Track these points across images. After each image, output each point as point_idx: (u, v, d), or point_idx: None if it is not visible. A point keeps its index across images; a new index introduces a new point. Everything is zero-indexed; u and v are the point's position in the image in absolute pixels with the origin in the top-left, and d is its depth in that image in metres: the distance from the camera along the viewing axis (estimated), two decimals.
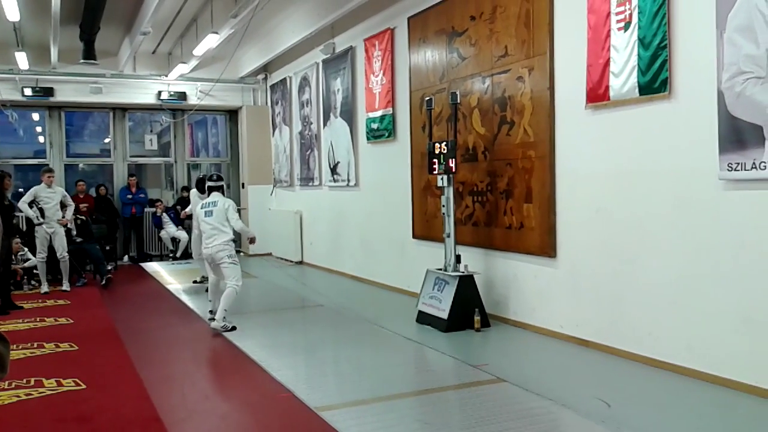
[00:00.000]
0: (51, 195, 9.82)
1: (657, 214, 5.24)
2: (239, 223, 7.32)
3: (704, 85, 4.78)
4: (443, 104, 7.77)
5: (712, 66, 4.70)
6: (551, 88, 6.27)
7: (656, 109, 5.21)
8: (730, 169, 4.58)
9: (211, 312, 7.42)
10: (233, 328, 6.97)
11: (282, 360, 5.87)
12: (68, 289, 10.06)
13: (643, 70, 5.23)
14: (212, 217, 7.20)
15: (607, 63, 5.57)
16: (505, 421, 4.22)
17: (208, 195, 7.52)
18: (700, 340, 4.91)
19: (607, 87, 5.58)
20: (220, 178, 7.78)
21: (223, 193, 7.54)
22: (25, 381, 5.30)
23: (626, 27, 5.38)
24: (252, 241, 7.61)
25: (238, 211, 7.53)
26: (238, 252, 7.72)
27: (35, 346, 6.58)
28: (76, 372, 5.60)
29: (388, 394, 4.82)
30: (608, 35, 5.55)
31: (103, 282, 10.38)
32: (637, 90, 5.31)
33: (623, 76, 5.42)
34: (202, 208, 7.38)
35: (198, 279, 10.21)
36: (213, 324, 7.02)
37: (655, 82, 5.15)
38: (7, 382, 5.10)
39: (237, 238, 8.17)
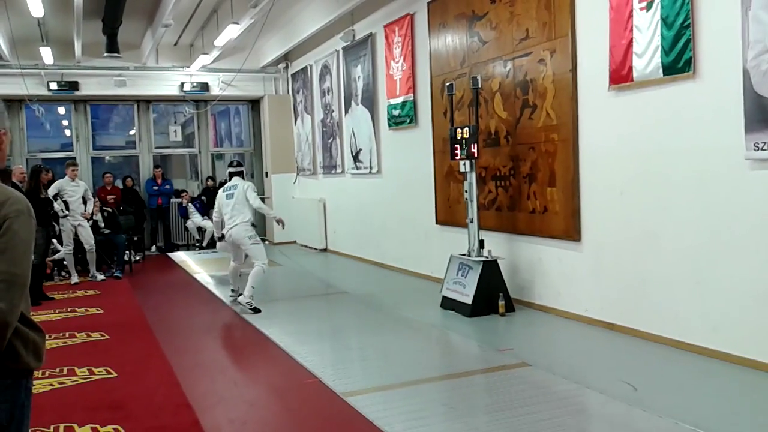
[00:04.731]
0: (75, 188, 9.96)
1: (682, 195, 5.19)
2: (257, 201, 7.61)
3: (729, 64, 4.70)
4: (464, 89, 7.73)
5: (737, 44, 4.62)
6: (573, 70, 6.21)
7: (680, 89, 5.14)
8: (756, 148, 4.51)
9: (233, 291, 7.91)
10: (258, 310, 7.23)
11: (308, 346, 5.93)
12: (103, 278, 10.24)
13: (667, 50, 5.16)
14: (233, 199, 7.53)
15: (630, 43, 5.50)
16: (532, 405, 4.24)
17: (230, 180, 7.86)
18: (727, 322, 4.86)
19: (631, 68, 5.52)
20: (240, 164, 8.21)
21: (243, 178, 7.88)
22: (58, 370, 5.43)
23: (649, 6, 5.30)
24: (279, 222, 7.82)
25: (263, 200, 7.82)
26: (263, 240, 7.90)
27: (67, 335, 6.72)
28: (107, 360, 5.72)
29: (414, 379, 4.84)
30: (631, 15, 5.48)
31: (117, 273, 10.53)
32: (660, 70, 5.24)
33: (646, 57, 5.35)
34: (223, 191, 7.74)
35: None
36: (240, 298, 7.38)
37: (678, 61, 5.08)
38: (41, 371, 5.22)
39: (258, 223, 8.57)
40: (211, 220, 13.77)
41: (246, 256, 7.77)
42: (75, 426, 4.20)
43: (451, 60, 8.17)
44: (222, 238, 7.80)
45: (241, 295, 7.54)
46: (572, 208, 6.29)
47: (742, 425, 3.78)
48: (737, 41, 4.61)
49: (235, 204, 7.48)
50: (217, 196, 7.91)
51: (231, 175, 7.91)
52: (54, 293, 9.11)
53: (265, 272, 7.41)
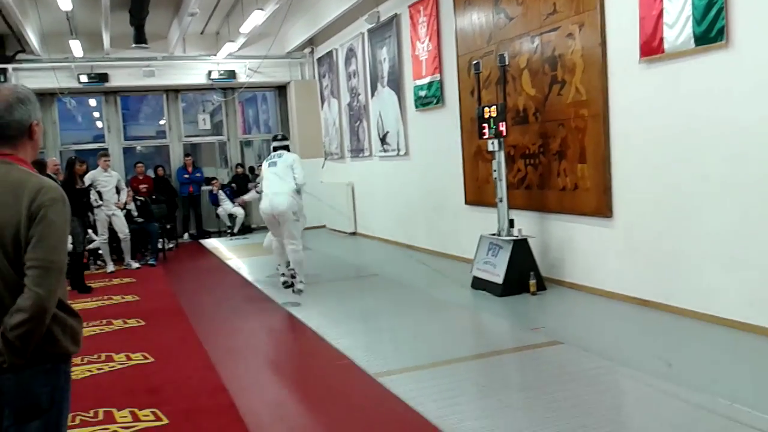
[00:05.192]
0: (107, 179, 10.10)
1: (716, 168, 5.07)
2: (302, 176, 7.00)
3: (764, 32, 4.57)
4: (491, 67, 7.64)
5: None
6: (603, 43, 6.09)
7: (714, 59, 5.02)
8: None
9: (283, 275, 7.49)
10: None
11: (340, 329, 5.96)
12: (138, 266, 10.42)
13: (698, 20, 5.03)
14: (276, 167, 6.92)
15: (660, 14, 5.38)
16: (566, 382, 4.21)
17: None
18: (763, 296, 4.76)
19: (662, 39, 5.39)
20: (285, 138, 7.66)
21: (288, 151, 7.44)
22: (96, 356, 5.55)
23: None
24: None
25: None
26: None
27: (104, 322, 6.85)
28: (144, 346, 5.82)
29: (446, 359, 4.84)
30: None
31: (151, 261, 10.69)
32: (692, 41, 5.11)
33: (678, 27, 5.22)
34: (267, 162, 7.18)
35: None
36: (298, 287, 7.12)
37: (711, 31, 4.95)
38: (79, 358, 5.34)
39: None
40: (241, 206, 14.00)
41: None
42: (114, 410, 4.29)
43: (477, 38, 8.07)
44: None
45: (293, 278, 7.41)
46: (603, 184, 6.20)
47: None
48: None
49: (278, 172, 6.90)
50: (262, 169, 7.51)
51: (275, 150, 7.44)
52: (90, 282, 9.26)
53: (302, 254, 7.08)
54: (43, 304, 1.92)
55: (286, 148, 7.34)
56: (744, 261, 4.90)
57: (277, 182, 6.82)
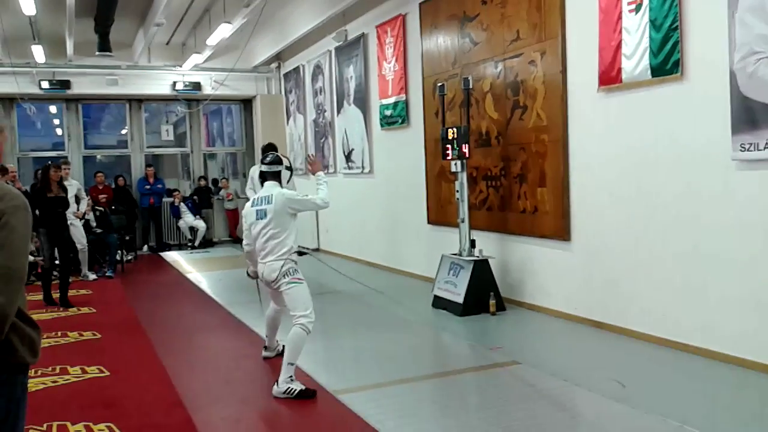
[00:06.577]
0: (67, 188, 9.90)
1: (670, 195, 5.25)
2: (306, 202, 5.04)
3: (716, 66, 4.77)
4: (456, 90, 7.78)
5: (724, 46, 4.68)
6: (563, 71, 6.27)
7: (668, 90, 5.21)
8: (742, 149, 4.58)
9: (266, 348, 5.70)
10: (306, 394, 4.59)
11: None
12: (95, 278, 10.24)
13: (655, 52, 5.23)
14: (266, 221, 4.83)
15: (619, 45, 5.56)
16: (522, 402, 4.29)
17: (262, 184, 5.12)
18: (714, 321, 4.93)
19: (620, 69, 5.58)
20: (277, 161, 5.12)
21: (280, 182, 5.07)
22: (50, 369, 5.45)
23: (637, 9, 5.36)
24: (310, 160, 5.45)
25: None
26: None
27: (59, 335, 6.73)
28: (100, 359, 5.73)
29: (406, 377, 4.89)
30: (620, 17, 5.54)
31: (108, 273, 10.53)
32: (649, 72, 5.30)
33: (635, 59, 5.41)
34: (252, 206, 4.97)
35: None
36: (274, 390, 4.65)
37: (667, 63, 5.14)
38: (33, 370, 5.23)
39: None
40: (203, 220, 13.90)
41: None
42: (68, 424, 4.22)
43: (442, 60, 8.21)
44: (254, 275, 5.30)
45: (276, 352, 5.60)
46: (562, 208, 6.34)
47: (727, 421, 3.84)
48: (724, 43, 4.68)
49: (270, 228, 4.82)
50: (245, 212, 5.10)
51: (263, 177, 5.11)
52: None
53: (308, 333, 4.80)
54: (4, 311, 1.88)
55: (278, 176, 5.06)
56: (696, 286, 5.07)
57: (267, 246, 4.87)
